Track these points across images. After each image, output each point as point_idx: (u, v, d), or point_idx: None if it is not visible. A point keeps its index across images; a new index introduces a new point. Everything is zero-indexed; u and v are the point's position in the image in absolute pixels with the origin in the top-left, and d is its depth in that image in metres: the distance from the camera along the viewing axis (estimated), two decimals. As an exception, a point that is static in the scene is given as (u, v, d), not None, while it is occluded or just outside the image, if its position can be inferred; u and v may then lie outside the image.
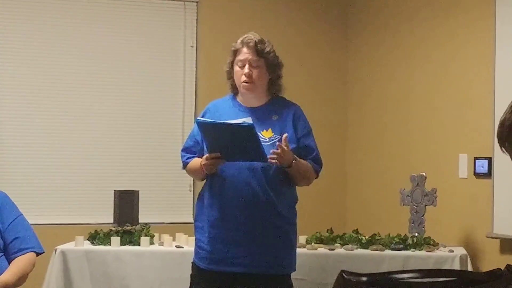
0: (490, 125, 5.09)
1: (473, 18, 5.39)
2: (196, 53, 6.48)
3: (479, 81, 5.30)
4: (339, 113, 6.78)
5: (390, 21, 6.29)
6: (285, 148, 3.91)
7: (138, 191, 5.27)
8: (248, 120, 3.84)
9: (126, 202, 5.17)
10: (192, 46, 6.49)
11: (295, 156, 4.02)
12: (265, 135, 4.06)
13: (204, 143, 4.07)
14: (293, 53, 6.68)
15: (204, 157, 4.00)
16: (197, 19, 6.51)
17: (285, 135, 3.96)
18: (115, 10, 6.35)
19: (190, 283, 4.18)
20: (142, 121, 6.37)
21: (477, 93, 5.33)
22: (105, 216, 5.62)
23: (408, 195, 5.31)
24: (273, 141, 4.04)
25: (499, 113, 5.16)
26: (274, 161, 3.91)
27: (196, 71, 6.47)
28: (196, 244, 4.17)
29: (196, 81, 6.47)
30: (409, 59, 6.05)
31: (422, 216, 5.21)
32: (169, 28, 6.48)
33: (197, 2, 6.50)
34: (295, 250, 4.21)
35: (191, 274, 4.18)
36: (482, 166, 5.21)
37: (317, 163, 4.19)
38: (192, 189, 6.24)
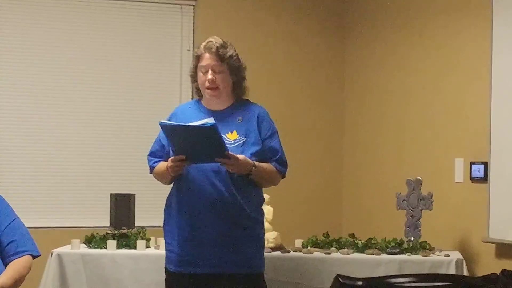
0: (486, 129, 5.10)
1: (470, 22, 5.40)
2: (193, 57, 6.47)
3: (476, 85, 5.31)
4: (336, 117, 6.78)
5: (386, 25, 6.30)
6: (237, 160, 3.93)
7: (134, 194, 5.27)
8: (210, 120, 3.85)
9: (122, 206, 5.17)
10: (188, 50, 6.49)
11: (255, 163, 4.04)
12: (230, 137, 4.08)
13: (169, 146, 4.09)
14: (290, 57, 6.68)
15: (170, 159, 4.03)
16: (193, 23, 6.52)
17: (241, 156, 3.97)
18: (112, 13, 6.35)
19: None
20: (138, 124, 6.37)
21: (473, 98, 5.33)
22: (101, 220, 5.61)
23: (404, 199, 5.31)
24: (238, 143, 4.08)
25: (495, 118, 5.22)
26: (229, 170, 3.96)
27: (192, 75, 6.46)
28: (166, 249, 4.19)
29: (192, 85, 6.46)
30: (406, 64, 6.06)
31: (418, 220, 5.21)
32: (166, 31, 6.49)
33: (194, 6, 6.51)
34: (263, 249, 4.21)
35: (165, 279, 4.20)
36: (478, 171, 5.22)
37: (282, 164, 4.19)
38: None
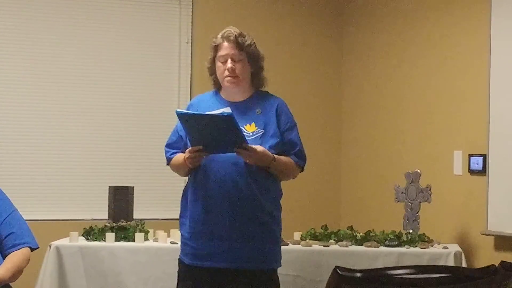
0: (485, 122, 5.10)
1: (468, 15, 5.40)
2: (191, 50, 6.48)
3: (474, 78, 5.31)
4: (334, 110, 6.78)
5: (385, 18, 6.30)
6: (255, 151, 3.90)
7: (133, 187, 5.27)
8: (227, 110, 3.82)
9: (121, 198, 5.17)
10: (187, 42, 6.48)
11: (274, 156, 4.00)
12: (248, 129, 4.04)
13: (187, 137, 4.06)
14: (288, 51, 6.68)
15: (187, 150, 3.99)
16: (192, 15, 6.51)
17: (260, 147, 3.95)
18: (111, 6, 6.34)
19: (177, 280, 4.16)
20: (137, 117, 6.37)
21: (472, 90, 5.34)
22: (100, 212, 5.62)
23: (402, 192, 5.31)
24: (256, 135, 4.03)
25: (494, 110, 5.22)
26: (247, 161, 3.93)
27: (191, 68, 6.47)
28: (181, 241, 4.16)
29: (191, 78, 6.47)
30: (404, 57, 6.05)
31: (417, 213, 5.21)
32: (165, 24, 6.48)
33: (192, -2, 6.51)
34: (280, 245, 4.19)
35: (177, 271, 4.17)
36: (476, 163, 5.22)
37: (301, 157, 4.16)
38: (187, 185, 6.25)
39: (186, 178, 6.11)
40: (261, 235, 4.03)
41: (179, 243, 4.79)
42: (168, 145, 4.22)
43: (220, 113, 3.79)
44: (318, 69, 6.79)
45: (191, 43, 6.48)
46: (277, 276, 4.15)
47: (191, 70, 6.47)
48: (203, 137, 3.90)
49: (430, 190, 5.21)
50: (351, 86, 6.70)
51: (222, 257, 3.99)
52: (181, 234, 4.15)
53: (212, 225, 4.00)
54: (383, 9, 6.33)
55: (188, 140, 4.04)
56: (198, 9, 6.50)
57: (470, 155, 5.29)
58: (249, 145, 3.88)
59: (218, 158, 3.97)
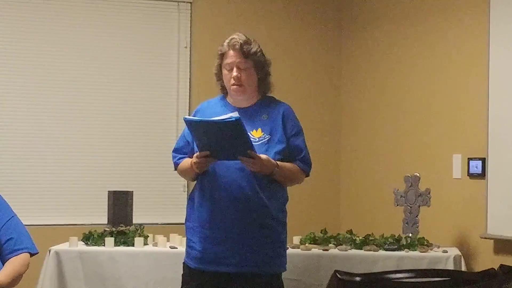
0: (484, 125, 5.10)
1: (467, 18, 5.40)
2: (190, 54, 6.48)
3: (473, 81, 5.31)
4: (333, 114, 6.78)
5: (384, 22, 6.30)
6: (260, 160, 3.91)
7: (132, 191, 5.26)
8: (235, 114, 3.82)
9: (120, 203, 5.16)
10: (186, 47, 6.49)
11: (278, 163, 4.02)
12: (255, 135, 4.05)
13: (194, 143, 4.07)
14: (287, 54, 6.68)
15: (195, 155, 4.00)
16: (191, 20, 6.51)
17: (264, 156, 3.96)
18: (109, 10, 6.34)
19: (181, 283, 4.17)
20: (136, 121, 6.37)
21: (471, 94, 5.34)
22: (99, 217, 5.62)
23: (402, 196, 5.31)
24: (262, 141, 4.05)
25: (493, 114, 5.22)
26: (251, 169, 3.94)
27: (190, 72, 6.47)
28: (187, 245, 4.16)
29: (190, 82, 6.47)
30: (403, 60, 6.06)
31: (416, 216, 5.21)
32: (163, 28, 6.48)
33: (191, 3, 6.50)
34: (286, 249, 4.20)
35: (182, 274, 4.18)
36: (476, 167, 5.22)
37: (306, 163, 4.17)
38: (186, 190, 6.24)
39: (186, 183, 6.17)
40: (266, 239, 4.05)
41: (179, 247, 4.82)
42: (175, 150, 4.24)
43: (228, 118, 3.79)
44: (317, 73, 6.78)
45: (190, 48, 6.48)
46: (282, 281, 4.17)
47: (189, 75, 6.47)
48: (210, 143, 3.91)
49: (429, 193, 5.20)
50: (350, 90, 6.70)
51: (228, 262, 4.01)
52: (188, 238, 4.15)
53: (218, 230, 4.01)
54: (381, 15, 6.34)
55: (195, 145, 4.05)
56: (196, 14, 6.50)
57: (469, 159, 5.29)
58: (255, 153, 3.89)
59: (224, 164, 3.99)
